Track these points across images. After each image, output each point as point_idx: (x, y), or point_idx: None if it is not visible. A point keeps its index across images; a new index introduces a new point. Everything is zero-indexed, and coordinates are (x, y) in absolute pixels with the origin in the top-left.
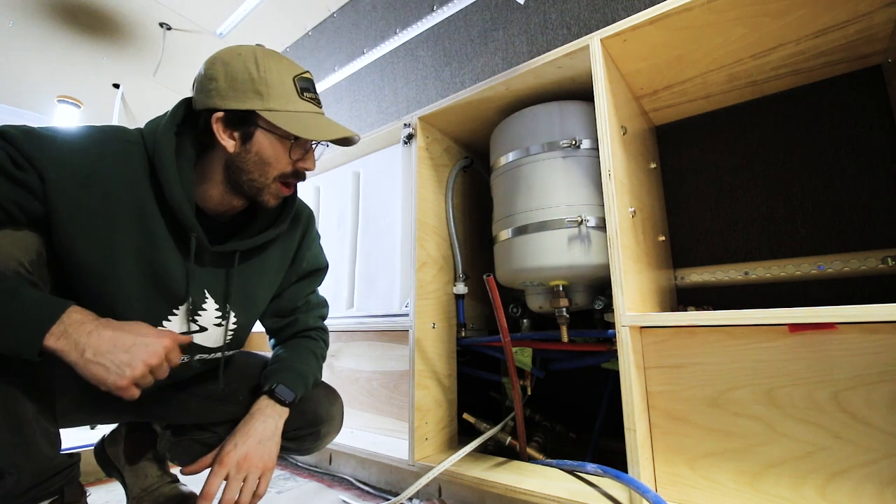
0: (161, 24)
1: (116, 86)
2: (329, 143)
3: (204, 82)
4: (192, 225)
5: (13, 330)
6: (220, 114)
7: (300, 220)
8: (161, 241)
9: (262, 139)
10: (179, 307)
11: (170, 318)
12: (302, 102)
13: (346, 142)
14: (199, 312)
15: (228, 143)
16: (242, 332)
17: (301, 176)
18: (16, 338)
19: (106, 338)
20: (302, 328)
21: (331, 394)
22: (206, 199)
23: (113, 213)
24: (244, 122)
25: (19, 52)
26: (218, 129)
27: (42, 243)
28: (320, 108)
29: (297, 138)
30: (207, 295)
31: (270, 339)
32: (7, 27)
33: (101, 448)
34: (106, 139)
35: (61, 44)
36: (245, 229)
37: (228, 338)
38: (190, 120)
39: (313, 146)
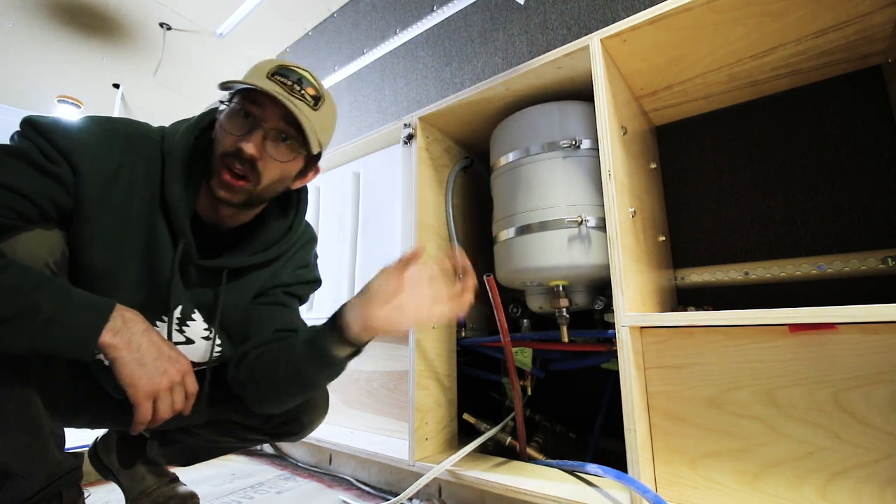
0: (161, 24)
1: (116, 86)
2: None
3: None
4: (182, 229)
5: (72, 325)
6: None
7: (298, 244)
8: (162, 242)
9: (220, 119)
10: (166, 315)
11: (157, 323)
12: (266, 81)
13: (290, 119)
14: (188, 323)
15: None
16: (229, 354)
17: (241, 157)
18: (76, 332)
19: (154, 341)
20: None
21: None
22: (200, 205)
23: (129, 209)
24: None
25: (19, 52)
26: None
27: (65, 242)
28: (290, 93)
29: (246, 114)
30: (195, 309)
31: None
32: (7, 27)
33: (95, 453)
34: (133, 134)
35: (61, 44)
36: (239, 247)
37: (215, 355)
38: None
39: (260, 130)
